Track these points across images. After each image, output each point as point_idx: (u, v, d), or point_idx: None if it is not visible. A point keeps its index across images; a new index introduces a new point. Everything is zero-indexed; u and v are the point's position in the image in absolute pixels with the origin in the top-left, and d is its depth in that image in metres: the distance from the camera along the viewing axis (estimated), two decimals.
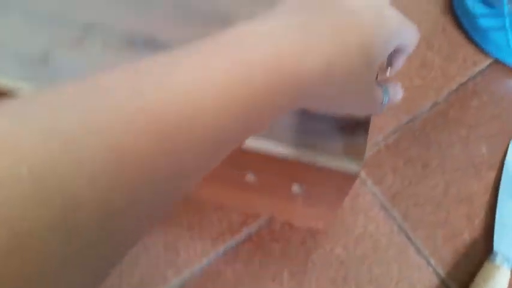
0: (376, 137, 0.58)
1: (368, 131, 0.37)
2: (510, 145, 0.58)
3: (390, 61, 0.34)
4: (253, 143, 0.36)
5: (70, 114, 0.16)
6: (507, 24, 0.67)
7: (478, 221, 0.57)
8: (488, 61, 0.69)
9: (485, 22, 0.69)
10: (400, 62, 0.34)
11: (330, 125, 0.37)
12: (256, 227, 0.58)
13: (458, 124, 0.66)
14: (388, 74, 0.35)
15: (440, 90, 0.69)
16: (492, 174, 0.60)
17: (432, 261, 0.55)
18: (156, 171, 0.17)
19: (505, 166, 0.58)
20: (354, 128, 0.38)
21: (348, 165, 0.36)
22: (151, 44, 0.41)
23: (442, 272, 0.52)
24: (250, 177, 0.45)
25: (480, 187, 0.60)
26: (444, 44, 0.73)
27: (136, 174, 0.16)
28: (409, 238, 0.57)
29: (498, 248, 0.47)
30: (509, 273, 0.45)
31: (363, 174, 0.56)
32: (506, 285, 0.45)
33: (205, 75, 0.19)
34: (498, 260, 0.45)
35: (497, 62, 0.66)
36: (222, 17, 0.43)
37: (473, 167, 0.62)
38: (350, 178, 0.38)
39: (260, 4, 0.37)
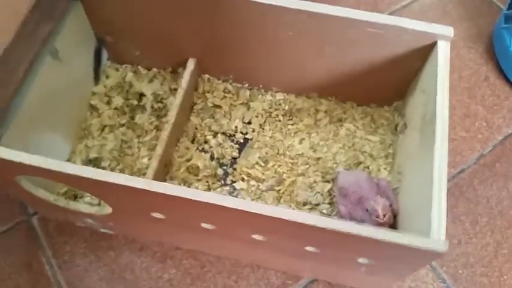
0: None
1: None
2: None
3: None
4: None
5: None
6: None
7: None
8: None
9: None
10: None
11: None
12: None
13: (506, 177, 0.63)
14: None
15: (485, 142, 0.66)
16: None
17: None
18: None
19: None
20: None
21: (433, 244, 0.39)
22: None
23: None
24: (311, 249, 0.48)
25: None
26: (487, 94, 0.70)
27: None
28: None
29: None
30: None
31: None
32: None
33: None
34: None
35: None
36: None
37: None
38: (432, 255, 0.40)
39: None
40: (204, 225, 0.51)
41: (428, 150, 0.48)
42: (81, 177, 0.44)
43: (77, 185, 0.52)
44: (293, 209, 0.63)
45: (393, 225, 0.56)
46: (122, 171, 0.67)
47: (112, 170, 0.67)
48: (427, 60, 0.57)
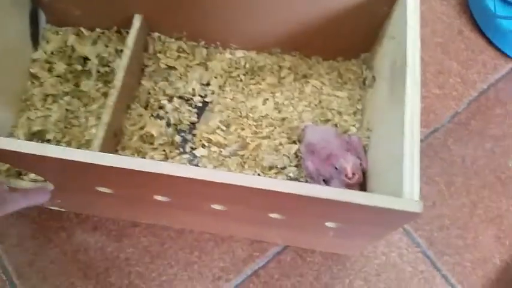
0: None
1: None
2: None
3: None
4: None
5: None
6: None
7: (510, 242, 0.53)
8: (510, 65, 0.64)
9: (507, 24, 0.63)
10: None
11: None
12: (264, 262, 0.54)
13: (482, 135, 0.60)
14: None
15: (460, 99, 0.63)
16: None
17: None
18: None
19: None
20: None
21: (406, 205, 0.36)
22: None
23: None
24: (276, 216, 0.45)
25: (509, 204, 0.56)
26: (461, 48, 0.66)
27: None
28: (435, 266, 0.53)
29: None
30: None
31: None
32: None
33: None
34: None
35: None
36: None
37: (500, 183, 0.57)
38: (405, 217, 0.37)
39: None
40: (157, 197, 0.46)
41: (399, 101, 0.44)
42: (5, 150, 0.39)
43: (5, 161, 0.46)
44: (258, 174, 0.59)
45: (363, 184, 0.52)
46: (68, 143, 0.61)
47: (58, 143, 0.61)
48: (395, 3, 0.52)
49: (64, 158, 0.38)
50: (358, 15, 0.56)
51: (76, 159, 0.38)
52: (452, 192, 0.56)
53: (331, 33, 0.60)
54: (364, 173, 0.52)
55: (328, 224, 0.44)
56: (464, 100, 0.64)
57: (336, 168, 0.51)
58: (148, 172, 0.37)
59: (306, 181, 0.57)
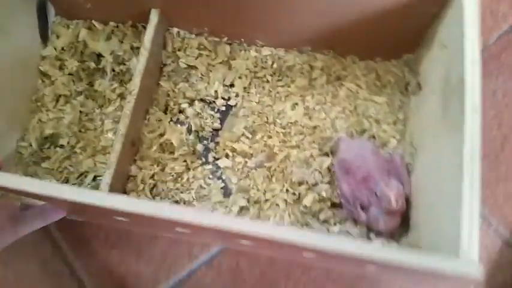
0: None
1: None
2: None
3: None
4: None
5: None
6: None
7: None
8: None
9: None
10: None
11: None
12: None
13: None
14: None
15: (490, 32, 0.62)
16: None
17: (493, 221, 0.52)
18: None
19: None
20: None
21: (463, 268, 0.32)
22: None
23: (504, 232, 0.50)
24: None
25: None
26: None
27: None
28: None
29: None
30: None
31: None
32: None
33: None
34: None
35: None
36: None
37: None
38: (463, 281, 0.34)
39: None
40: (178, 229, 0.42)
41: (454, 128, 0.38)
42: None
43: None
44: (286, 190, 0.54)
45: (404, 213, 0.47)
46: (83, 149, 0.56)
47: (72, 148, 0.57)
48: (447, 5, 0.45)
49: (78, 201, 0.34)
50: (402, 13, 0.49)
51: (90, 203, 0.34)
52: (483, 125, 0.53)
53: (369, 31, 0.53)
54: (406, 199, 0.47)
55: (369, 267, 0.39)
56: (494, 34, 0.62)
57: (376, 194, 0.46)
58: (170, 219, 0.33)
59: (341, 203, 0.52)
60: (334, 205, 0.53)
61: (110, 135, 0.57)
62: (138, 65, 0.52)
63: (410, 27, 0.50)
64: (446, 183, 0.38)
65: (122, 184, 0.52)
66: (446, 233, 0.36)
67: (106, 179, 0.48)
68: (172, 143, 0.55)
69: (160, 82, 0.58)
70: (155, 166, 0.54)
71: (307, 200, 0.52)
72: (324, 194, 0.52)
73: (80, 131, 0.58)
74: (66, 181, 0.55)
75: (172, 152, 0.55)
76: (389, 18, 0.50)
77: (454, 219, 0.34)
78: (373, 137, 0.55)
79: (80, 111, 0.58)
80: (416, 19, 0.49)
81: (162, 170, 0.54)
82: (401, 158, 0.50)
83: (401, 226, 0.48)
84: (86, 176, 0.55)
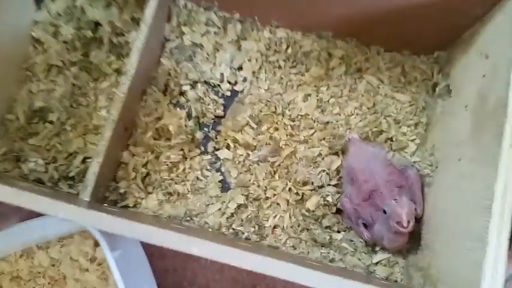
0: None
1: None
2: None
3: None
4: None
5: None
6: None
7: None
8: None
9: None
10: None
11: None
12: None
13: None
14: None
15: None
16: None
17: None
18: None
19: None
20: None
21: None
22: None
23: None
24: None
25: None
26: None
27: None
28: None
29: None
30: None
31: None
32: None
33: None
34: None
35: None
36: None
37: None
38: None
39: None
40: None
41: (488, 160, 0.33)
42: None
43: None
44: (289, 189, 0.49)
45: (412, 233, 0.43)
46: (74, 127, 0.52)
47: (62, 124, 0.52)
48: (495, 8, 0.39)
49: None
50: (441, 7, 0.43)
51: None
52: None
53: (401, 21, 0.47)
54: (416, 218, 0.42)
55: None
56: None
57: (384, 211, 0.41)
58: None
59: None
60: (339, 211, 0.49)
61: (103, 112, 0.53)
62: (137, 41, 0.47)
63: (447, 24, 0.44)
64: (470, 217, 0.33)
65: (111, 172, 0.48)
66: (465, 274, 0.32)
67: (93, 169, 0.44)
68: (169, 129, 0.50)
69: (161, 59, 0.53)
70: (149, 153, 0.50)
71: (311, 203, 0.48)
72: (329, 199, 0.48)
73: (71, 106, 0.53)
74: (54, 161, 0.51)
75: (168, 139, 0.51)
76: (426, 11, 0.43)
77: (475, 263, 0.30)
78: (391, 139, 0.50)
79: (73, 84, 0.53)
80: (456, 17, 0.42)
81: (157, 158, 0.50)
82: (416, 173, 0.45)
83: (410, 242, 0.44)
84: (75, 157, 0.51)
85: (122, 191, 0.48)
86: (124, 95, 0.46)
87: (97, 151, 0.45)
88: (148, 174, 0.50)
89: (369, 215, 0.43)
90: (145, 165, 0.50)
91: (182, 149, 0.51)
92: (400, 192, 0.42)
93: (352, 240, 0.48)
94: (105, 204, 0.45)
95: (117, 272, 0.38)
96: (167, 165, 0.50)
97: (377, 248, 0.47)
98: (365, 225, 0.45)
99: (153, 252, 0.51)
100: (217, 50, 0.53)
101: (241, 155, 0.51)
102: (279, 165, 0.51)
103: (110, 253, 0.38)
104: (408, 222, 0.40)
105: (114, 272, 0.38)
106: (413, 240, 0.44)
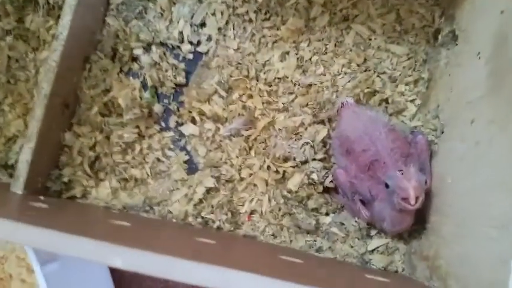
0: None
1: None
2: None
3: None
4: None
5: None
6: None
7: None
8: None
9: None
10: None
11: None
12: None
13: None
14: None
15: None
16: None
17: None
18: None
19: None
20: None
21: None
22: None
23: None
24: None
25: None
26: None
27: None
28: None
29: None
30: None
31: None
32: None
33: None
34: None
35: None
36: None
37: None
38: None
39: None
40: None
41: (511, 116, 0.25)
42: None
43: None
44: (267, 166, 0.42)
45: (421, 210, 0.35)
46: (12, 107, 0.44)
47: None
48: None
49: None
50: None
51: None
52: None
53: None
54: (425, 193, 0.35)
55: None
56: None
57: (387, 185, 0.33)
58: None
59: (336, 189, 0.40)
60: (327, 190, 0.41)
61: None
62: None
63: None
64: (491, 197, 0.25)
65: (51, 158, 0.40)
66: (485, 270, 0.24)
67: (25, 156, 0.37)
68: (120, 103, 0.42)
69: (106, 18, 0.44)
70: (97, 133, 0.42)
71: (293, 183, 0.40)
72: (315, 176, 0.40)
73: (8, 82, 0.45)
74: None
75: (120, 115, 0.42)
76: None
77: (500, 257, 0.22)
78: (386, 101, 0.42)
79: (9, 57, 0.45)
80: None
81: (107, 138, 0.42)
82: (426, 139, 0.37)
83: (412, 225, 0.36)
84: (14, 142, 0.44)
85: (66, 179, 0.40)
86: (56, 63, 0.37)
87: (28, 135, 0.37)
88: (97, 158, 0.42)
89: (368, 189, 0.36)
90: (93, 147, 0.42)
91: (137, 126, 0.43)
92: (408, 162, 0.34)
93: (343, 224, 0.40)
94: (42, 197, 0.37)
95: None
96: (120, 146, 0.42)
97: (372, 233, 0.39)
98: (362, 203, 0.37)
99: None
100: (173, 4, 0.44)
101: (210, 129, 0.43)
102: (255, 139, 0.43)
103: (38, 267, 0.31)
104: (416, 198, 0.32)
105: None
106: (416, 222, 0.36)
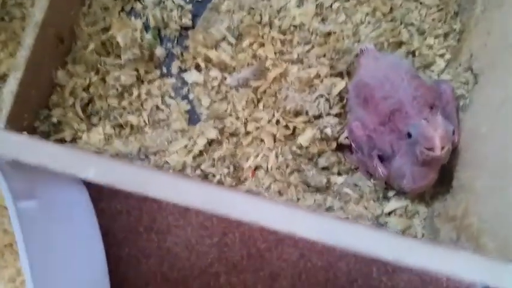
0: None
1: None
2: None
3: None
4: None
5: None
6: None
7: None
8: None
9: None
10: None
11: None
12: None
13: None
14: None
15: None
16: None
17: None
18: None
19: None
20: None
21: None
22: None
23: None
24: None
25: None
26: None
27: None
28: None
29: None
30: None
31: None
32: None
33: None
34: None
35: None
36: None
37: None
38: None
39: None
40: None
41: None
42: None
43: None
44: (277, 120, 0.38)
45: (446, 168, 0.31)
46: (4, 44, 0.41)
47: None
48: None
49: None
50: None
51: None
52: None
53: None
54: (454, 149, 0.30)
55: None
56: None
57: (409, 135, 0.29)
58: None
59: (350, 148, 0.36)
60: (341, 148, 0.37)
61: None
62: None
63: None
64: None
65: (41, 95, 0.37)
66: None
67: (10, 86, 0.33)
68: (118, 43, 0.38)
69: None
70: (92, 74, 0.38)
71: (304, 138, 0.37)
72: (328, 131, 0.36)
73: (2, 20, 0.42)
74: None
75: (118, 56, 0.39)
76: None
77: None
78: (413, 53, 0.37)
79: None
80: None
81: (103, 80, 0.39)
82: (452, 89, 0.33)
83: (435, 185, 0.32)
84: (5, 81, 0.40)
85: (55, 120, 0.37)
86: None
87: (15, 64, 0.33)
88: (91, 100, 0.38)
89: (388, 143, 0.31)
90: (87, 88, 0.38)
91: (136, 69, 0.39)
92: (434, 112, 0.30)
93: (356, 185, 0.36)
94: (25, 133, 0.34)
95: (19, 230, 0.27)
96: (116, 89, 0.38)
97: (390, 194, 0.35)
98: (380, 159, 0.33)
99: (101, 190, 0.40)
100: None
101: (216, 78, 0.39)
102: (264, 91, 0.39)
103: (10, 200, 0.27)
104: (442, 148, 0.28)
105: (15, 230, 0.27)
106: (440, 183, 0.32)
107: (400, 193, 0.35)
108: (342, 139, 0.36)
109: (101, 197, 0.40)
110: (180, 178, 0.18)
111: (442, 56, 0.37)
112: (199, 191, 0.19)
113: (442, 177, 0.32)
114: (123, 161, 0.19)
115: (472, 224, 0.26)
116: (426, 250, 0.20)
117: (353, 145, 0.35)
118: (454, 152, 0.31)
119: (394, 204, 0.34)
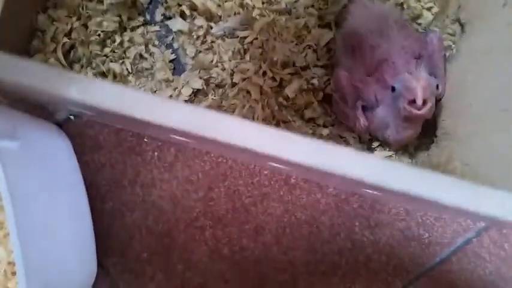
0: None
1: None
2: None
3: None
4: None
5: None
6: None
7: None
8: None
9: None
10: None
11: None
12: None
13: None
14: None
15: None
16: None
17: None
18: None
19: None
20: None
21: None
22: None
23: None
24: None
25: None
26: None
27: None
28: None
29: None
30: None
31: None
32: None
33: None
34: None
35: None
36: None
37: None
38: None
39: None
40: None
41: None
42: None
43: None
44: (263, 72, 0.37)
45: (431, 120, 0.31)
46: None
47: None
48: None
49: None
50: None
51: None
52: None
53: None
54: (436, 100, 0.31)
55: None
56: None
57: (393, 88, 0.29)
58: None
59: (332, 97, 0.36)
60: (327, 99, 0.37)
61: None
62: None
63: None
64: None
65: (20, 41, 0.36)
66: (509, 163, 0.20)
67: None
68: None
69: None
70: (74, 19, 0.37)
71: (290, 89, 0.36)
72: (315, 81, 0.36)
73: None
74: None
75: (100, 1, 0.37)
76: None
77: None
78: (401, 5, 0.37)
79: None
80: None
81: (84, 25, 0.37)
82: (440, 38, 0.33)
83: (419, 137, 0.33)
84: None
85: None
86: None
87: None
88: (73, 46, 0.37)
89: (373, 93, 0.32)
90: (68, 34, 0.37)
91: (119, 16, 0.38)
92: (418, 64, 0.30)
93: (342, 137, 0.37)
94: None
95: (1, 170, 0.26)
96: (99, 35, 0.37)
97: (374, 145, 0.35)
98: (364, 109, 0.33)
99: (84, 142, 0.39)
100: None
101: (201, 27, 0.38)
102: (251, 42, 0.38)
103: None
104: (424, 101, 0.28)
105: None
106: (424, 134, 0.33)
107: (384, 144, 0.35)
108: (329, 90, 0.36)
109: (84, 150, 0.40)
110: (167, 100, 0.18)
111: (429, 9, 0.37)
112: (188, 112, 0.18)
113: (426, 129, 0.32)
114: (108, 81, 0.19)
115: (456, 168, 0.27)
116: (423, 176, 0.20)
117: (335, 96, 0.35)
118: (440, 102, 0.31)
119: (378, 154, 0.35)
